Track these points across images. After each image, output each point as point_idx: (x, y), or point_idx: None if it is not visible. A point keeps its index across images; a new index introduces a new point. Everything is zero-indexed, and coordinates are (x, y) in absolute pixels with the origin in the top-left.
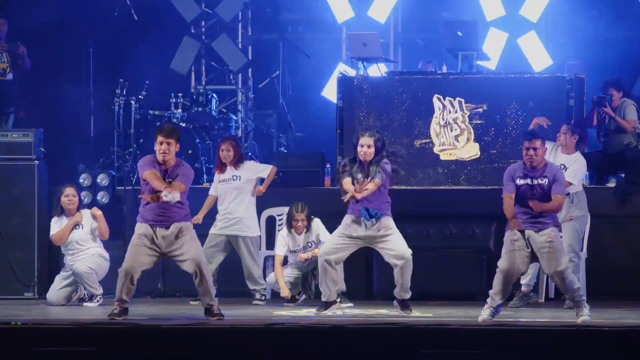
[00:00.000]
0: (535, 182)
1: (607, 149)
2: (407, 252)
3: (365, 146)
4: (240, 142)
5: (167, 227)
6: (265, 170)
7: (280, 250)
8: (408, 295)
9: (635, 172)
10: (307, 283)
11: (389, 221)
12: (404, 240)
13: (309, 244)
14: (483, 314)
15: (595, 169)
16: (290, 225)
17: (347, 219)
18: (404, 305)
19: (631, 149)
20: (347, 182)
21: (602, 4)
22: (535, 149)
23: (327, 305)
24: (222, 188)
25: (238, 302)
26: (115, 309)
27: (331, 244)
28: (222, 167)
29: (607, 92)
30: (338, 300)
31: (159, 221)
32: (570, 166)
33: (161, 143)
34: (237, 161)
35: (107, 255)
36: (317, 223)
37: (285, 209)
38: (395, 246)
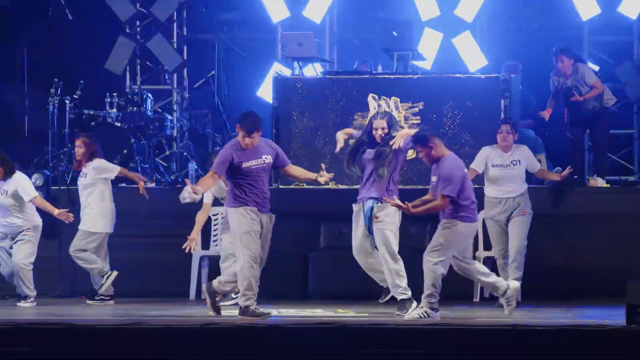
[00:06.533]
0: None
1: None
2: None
3: (380, 128)
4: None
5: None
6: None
7: None
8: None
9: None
10: None
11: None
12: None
13: None
14: None
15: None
16: None
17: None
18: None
19: (597, 112)
20: None
21: (536, 3)
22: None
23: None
24: None
25: (177, 302)
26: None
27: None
28: None
29: (558, 59)
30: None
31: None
32: (528, 158)
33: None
34: None
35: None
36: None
37: (221, 209)
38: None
